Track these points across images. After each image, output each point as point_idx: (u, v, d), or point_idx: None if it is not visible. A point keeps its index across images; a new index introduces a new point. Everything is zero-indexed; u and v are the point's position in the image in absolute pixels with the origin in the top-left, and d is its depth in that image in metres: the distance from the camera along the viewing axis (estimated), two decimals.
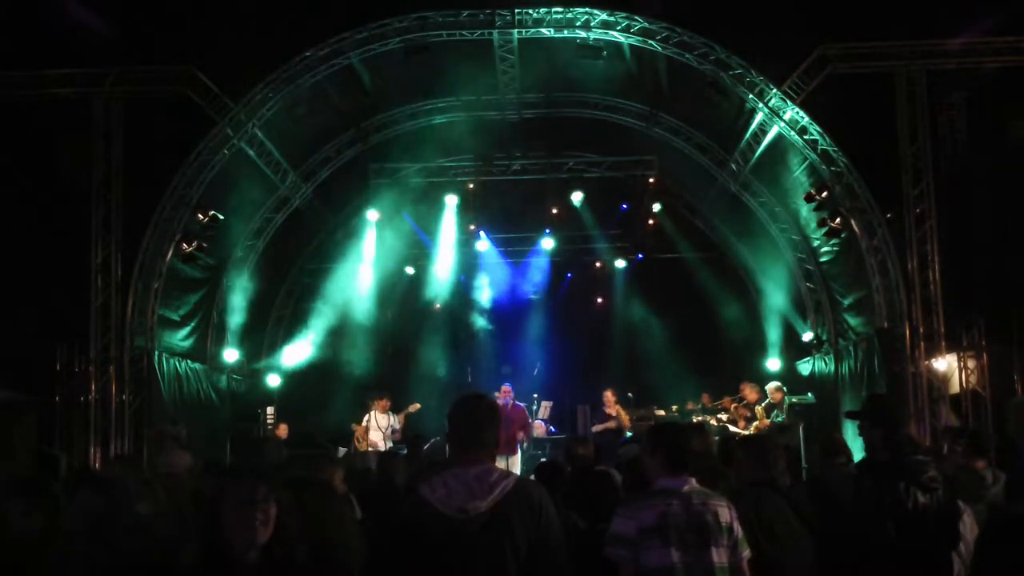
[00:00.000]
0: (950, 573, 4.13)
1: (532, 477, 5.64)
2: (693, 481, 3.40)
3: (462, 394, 3.15)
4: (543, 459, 10.56)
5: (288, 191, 13.99)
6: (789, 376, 13.83)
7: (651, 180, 14.18)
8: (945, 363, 11.14)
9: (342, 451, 11.40)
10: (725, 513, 3.33)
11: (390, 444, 11.61)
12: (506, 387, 11.85)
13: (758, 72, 11.45)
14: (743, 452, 4.11)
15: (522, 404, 12.26)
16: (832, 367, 13.00)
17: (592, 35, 11.73)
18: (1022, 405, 5.93)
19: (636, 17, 11.57)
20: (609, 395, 12.13)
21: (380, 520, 4.05)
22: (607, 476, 4.94)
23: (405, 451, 9.57)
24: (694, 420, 11.20)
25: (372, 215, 14.38)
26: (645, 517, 3.28)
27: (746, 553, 3.33)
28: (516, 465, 11.06)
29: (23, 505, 3.12)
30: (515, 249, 15.67)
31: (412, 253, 15.47)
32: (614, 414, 11.98)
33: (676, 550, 3.22)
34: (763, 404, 11.36)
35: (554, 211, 14.64)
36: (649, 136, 14.05)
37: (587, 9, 11.61)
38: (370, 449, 11.56)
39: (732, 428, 11.42)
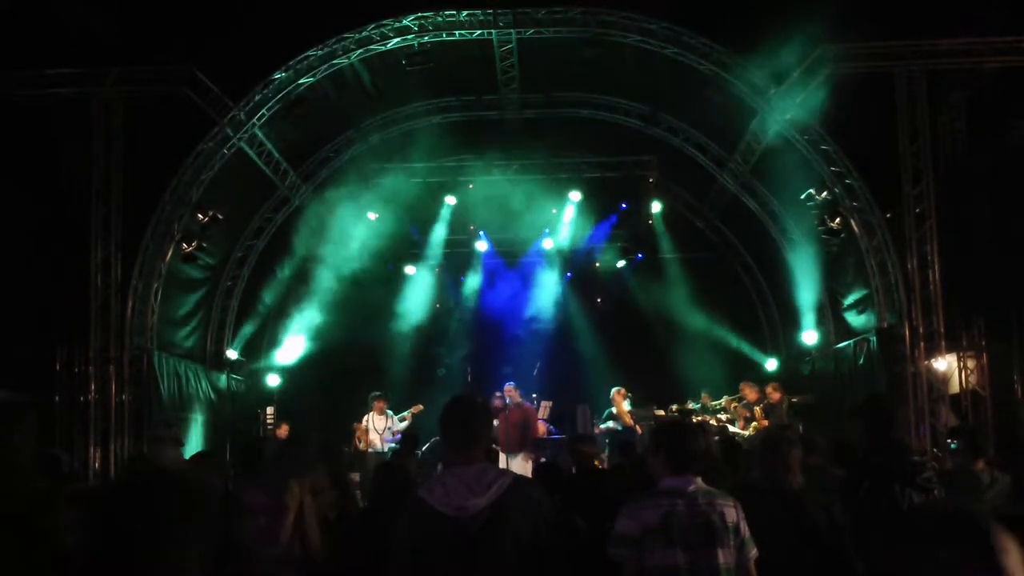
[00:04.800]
0: None
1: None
2: (699, 480, 3.39)
3: (453, 396, 3.17)
4: (542, 459, 10.59)
5: (288, 191, 13.99)
6: (789, 376, 13.84)
7: (651, 180, 14.20)
8: (945, 363, 11.13)
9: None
10: (732, 513, 3.32)
11: (389, 444, 11.60)
12: (508, 386, 11.81)
13: (758, 72, 11.44)
14: (753, 455, 4.08)
15: (527, 404, 12.20)
16: (832, 367, 13.00)
17: (592, 35, 11.72)
18: None
19: (636, 17, 11.57)
20: (616, 395, 12.12)
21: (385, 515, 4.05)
22: (610, 475, 4.92)
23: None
24: (694, 420, 11.20)
25: (372, 215, 14.39)
26: (648, 516, 3.28)
27: (753, 553, 3.32)
28: (518, 466, 11.02)
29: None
30: (515, 249, 15.67)
31: (411, 253, 15.48)
32: (615, 413, 11.99)
33: (681, 550, 3.21)
34: (762, 404, 11.36)
35: (554, 211, 14.65)
36: (649, 136, 14.06)
37: (587, 9, 11.61)
38: (369, 449, 11.57)
39: (732, 428, 11.43)
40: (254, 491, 2.65)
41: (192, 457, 6.12)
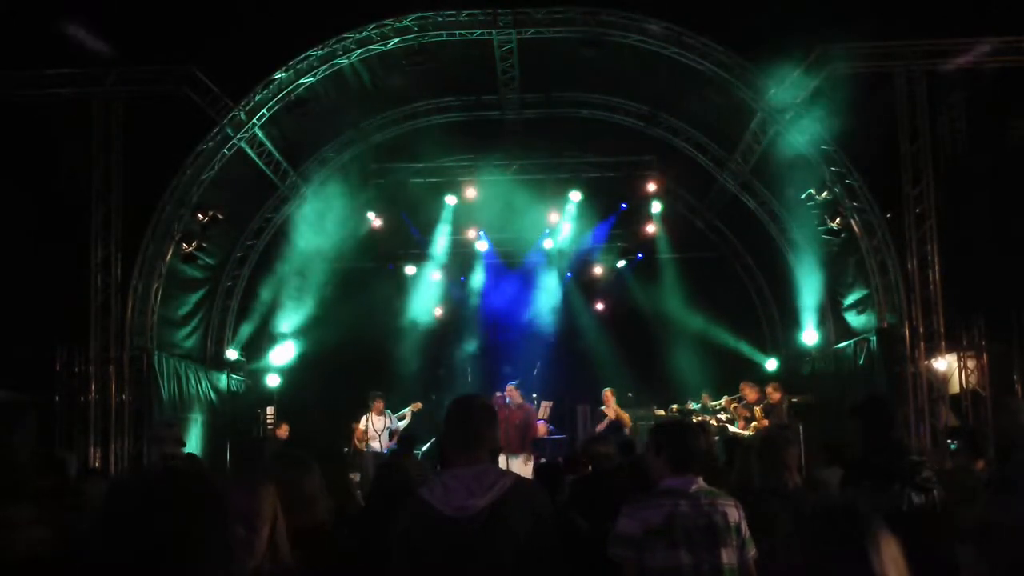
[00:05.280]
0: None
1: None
2: (700, 481, 3.39)
3: (457, 396, 3.17)
4: (543, 460, 10.59)
5: (288, 191, 13.99)
6: (789, 376, 13.84)
7: (651, 180, 14.20)
8: (945, 363, 11.13)
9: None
10: (733, 513, 3.32)
11: (388, 444, 11.59)
12: (510, 387, 11.80)
13: (758, 72, 11.45)
14: (752, 455, 4.08)
15: (528, 404, 12.18)
16: (832, 367, 13.00)
17: (592, 35, 11.72)
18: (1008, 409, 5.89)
19: (636, 16, 11.57)
20: (608, 394, 12.13)
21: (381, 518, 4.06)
22: (611, 475, 4.91)
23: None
24: (694, 420, 11.20)
25: (372, 215, 14.40)
26: (651, 517, 3.27)
27: (753, 552, 3.33)
28: (518, 467, 11.01)
29: (28, 514, 2.92)
30: (515, 249, 15.67)
31: (412, 253, 15.48)
32: (612, 416, 11.99)
33: (685, 551, 3.21)
34: (762, 404, 11.35)
35: (554, 211, 14.65)
36: (649, 136, 14.07)
37: (587, 9, 11.61)
38: (367, 450, 11.56)
39: (732, 428, 11.43)
40: (235, 495, 2.55)
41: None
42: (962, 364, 11.15)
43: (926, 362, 10.99)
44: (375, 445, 11.58)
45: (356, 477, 10.16)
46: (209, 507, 1.83)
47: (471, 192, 14.27)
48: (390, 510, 3.58)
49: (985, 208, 11.69)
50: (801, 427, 10.89)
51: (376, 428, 11.71)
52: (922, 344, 10.97)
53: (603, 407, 12.15)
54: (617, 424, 11.93)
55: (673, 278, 14.96)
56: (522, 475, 3.23)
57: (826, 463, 6.24)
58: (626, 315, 15.27)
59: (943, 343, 11.00)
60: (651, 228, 14.81)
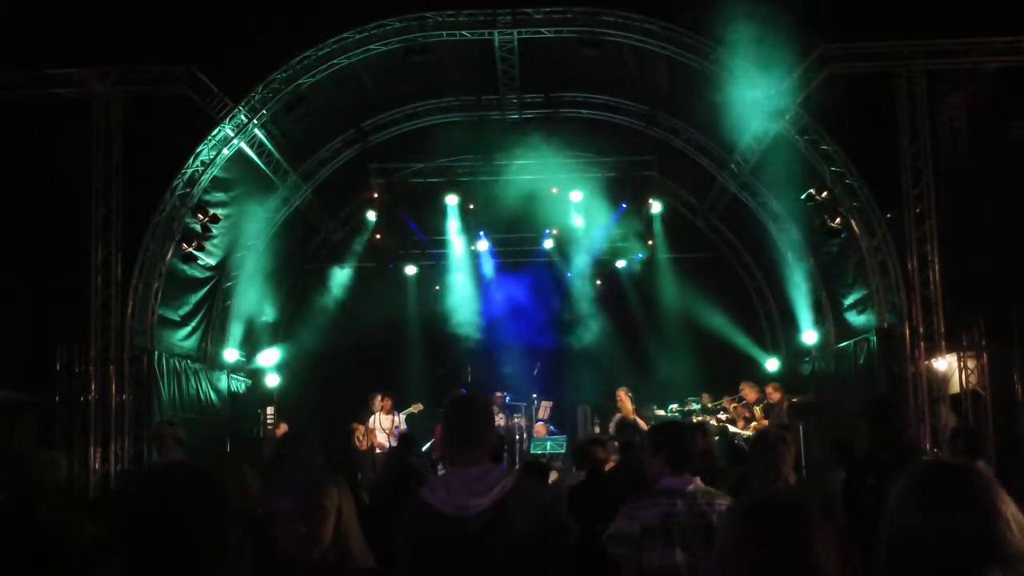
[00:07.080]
0: None
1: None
2: (697, 480, 3.40)
3: (456, 396, 3.17)
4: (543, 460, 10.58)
5: (288, 191, 13.99)
6: (789, 376, 13.84)
7: (651, 180, 14.20)
8: (945, 363, 11.12)
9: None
10: None
11: (394, 443, 11.61)
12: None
13: (757, 72, 11.43)
14: (750, 454, 4.08)
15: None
16: (832, 367, 13.00)
17: (592, 35, 11.72)
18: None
19: (636, 17, 11.57)
20: (622, 394, 12.02)
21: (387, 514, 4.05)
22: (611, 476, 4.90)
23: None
24: (694, 420, 11.20)
25: (372, 215, 14.41)
26: (648, 517, 3.28)
27: None
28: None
29: None
30: (514, 249, 15.67)
31: (412, 253, 15.49)
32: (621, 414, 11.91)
33: (680, 550, 3.21)
34: (762, 404, 11.36)
35: (554, 211, 14.64)
36: (649, 136, 14.06)
37: (587, 9, 11.61)
38: (378, 450, 11.59)
39: (732, 428, 11.43)
40: (284, 495, 2.56)
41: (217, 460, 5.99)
42: (962, 364, 11.14)
43: (926, 362, 10.97)
44: (383, 443, 11.61)
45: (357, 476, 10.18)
46: (205, 509, 1.82)
47: (471, 192, 14.27)
48: (393, 509, 3.59)
49: (985, 208, 11.70)
50: (801, 427, 10.89)
51: (384, 427, 11.75)
52: (922, 344, 10.96)
53: (619, 404, 12.08)
54: (623, 420, 11.88)
55: (673, 278, 14.96)
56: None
57: (836, 462, 6.23)
58: (626, 315, 15.26)
59: (943, 343, 10.99)
60: (651, 228, 14.80)
